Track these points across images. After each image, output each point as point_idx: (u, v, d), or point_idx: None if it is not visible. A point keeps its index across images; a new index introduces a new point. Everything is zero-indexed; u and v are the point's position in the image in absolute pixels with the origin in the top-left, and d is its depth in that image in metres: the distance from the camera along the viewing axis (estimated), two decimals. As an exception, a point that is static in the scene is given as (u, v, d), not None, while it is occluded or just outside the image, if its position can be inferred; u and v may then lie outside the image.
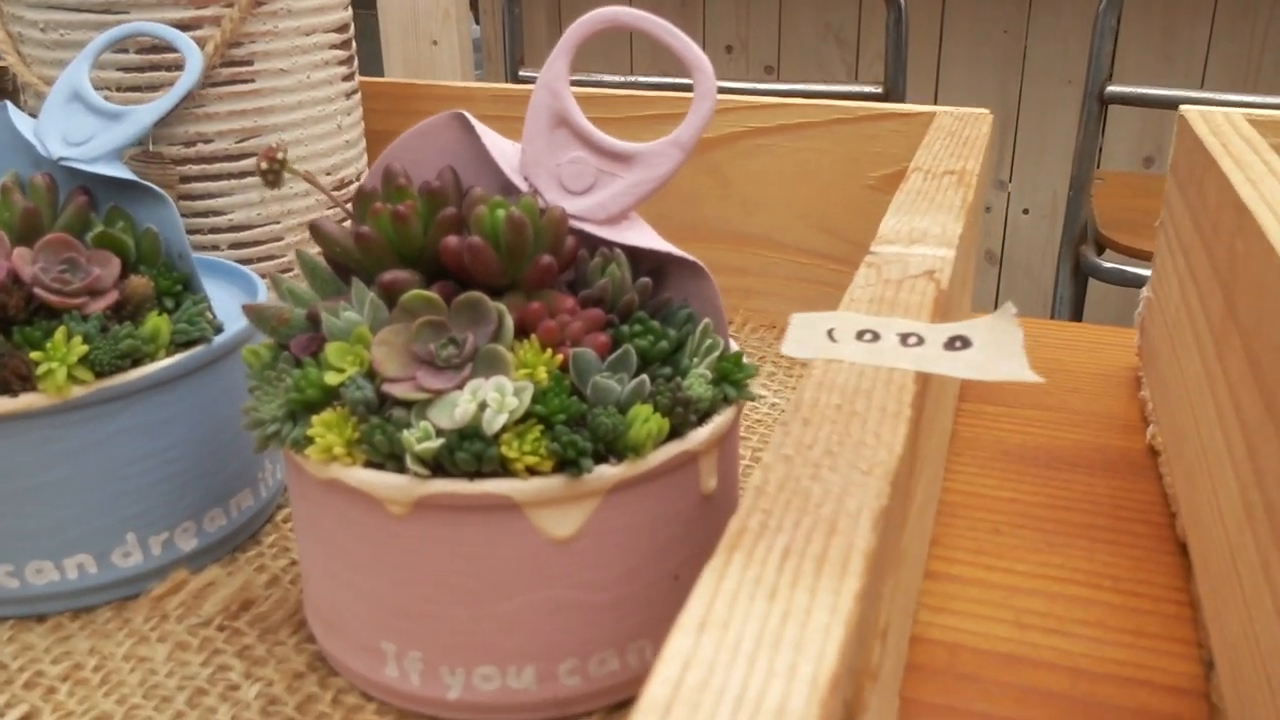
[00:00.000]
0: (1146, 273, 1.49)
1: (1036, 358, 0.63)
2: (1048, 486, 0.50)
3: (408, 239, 0.34)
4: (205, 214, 0.52)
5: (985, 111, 0.56)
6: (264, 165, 0.34)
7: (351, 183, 0.58)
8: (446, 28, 1.97)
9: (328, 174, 0.55)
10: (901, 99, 1.54)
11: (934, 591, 0.43)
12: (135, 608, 0.38)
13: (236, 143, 0.52)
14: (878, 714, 0.29)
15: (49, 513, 0.37)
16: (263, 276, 0.48)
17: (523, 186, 0.35)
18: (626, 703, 0.34)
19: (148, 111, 0.40)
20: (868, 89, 1.52)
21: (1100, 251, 1.58)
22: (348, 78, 0.57)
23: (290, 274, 0.55)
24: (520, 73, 1.60)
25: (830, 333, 0.30)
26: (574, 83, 1.44)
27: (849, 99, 1.58)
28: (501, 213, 0.32)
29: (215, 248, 0.53)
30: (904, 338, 0.30)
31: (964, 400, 0.57)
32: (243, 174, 0.52)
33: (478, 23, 2.41)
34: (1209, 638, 0.39)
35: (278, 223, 0.54)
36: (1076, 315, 1.63)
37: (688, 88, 1.62)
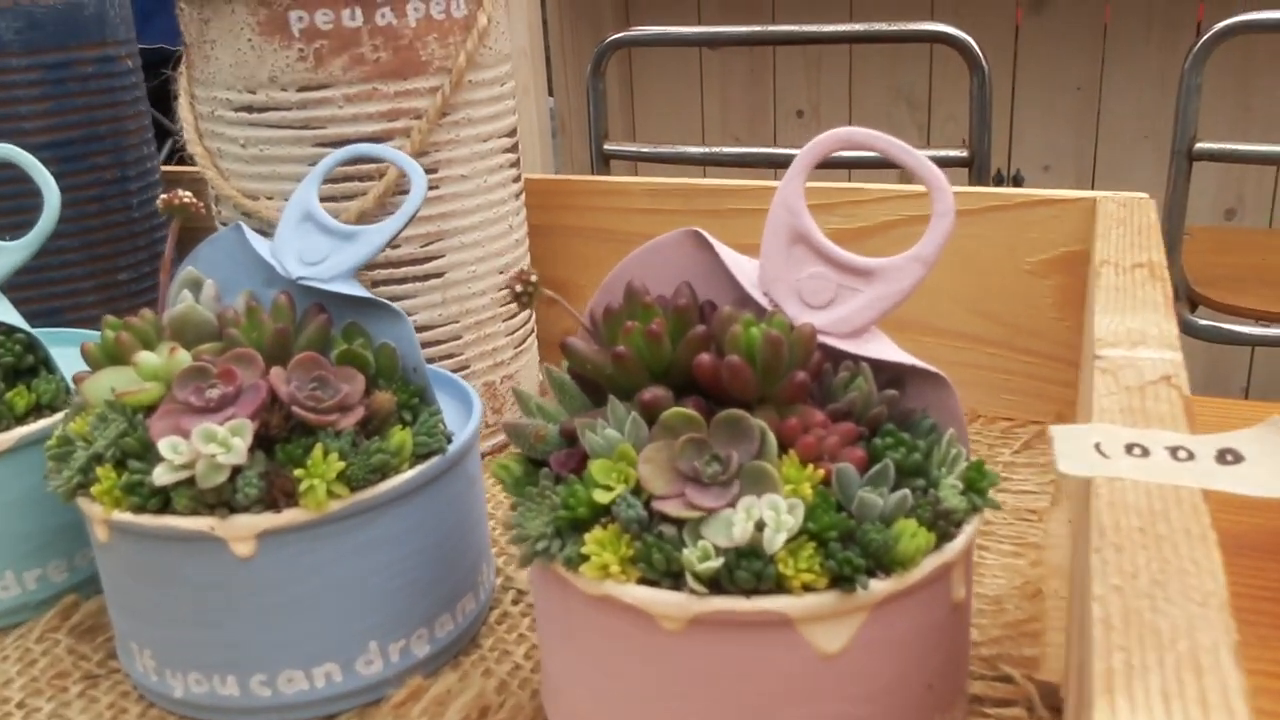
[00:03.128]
0: (1244, 329, 1.48)
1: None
2: (1240, 575, 0.49)
3: (658, 356, 0.35)
4: (392, 316, 0.54)
5: (1146, 196, 0.57)
6: (518, 289, 0.35)
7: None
8: (525, 103, 2.02)
9: (500, 272, 0.57)
10: (986, 163, 1.54)
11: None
12: (377, 715, 0.39)
13: (422, 247, 0.54)
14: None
15: (302, 623, 0.38)
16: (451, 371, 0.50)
17: (762, 301, 0.36)
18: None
19: (379, 232, 0.42)
20: (953, 153, 1.52)
21: (1193, 309, 1.57)
22: (516, 179, 0.58)
23: (513, 383, 0.57)
24: (605, 147, 1.63)
25: (1098, 446, 0.31)
26: (654, 156, 1.44)
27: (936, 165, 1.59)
28: (756, 332, 0.33)
29: (400, 348, 0.54)
30: (1173, 451, 0.30)
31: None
32: (427, 276, 0.54)
33: (552, 95, 2.45)
34: None
35: (457, 322, 0.56)
36: (1168, 373, 1.60)
37: (769, 160, 1.62)
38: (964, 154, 1.50)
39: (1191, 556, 0.26)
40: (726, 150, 1.62)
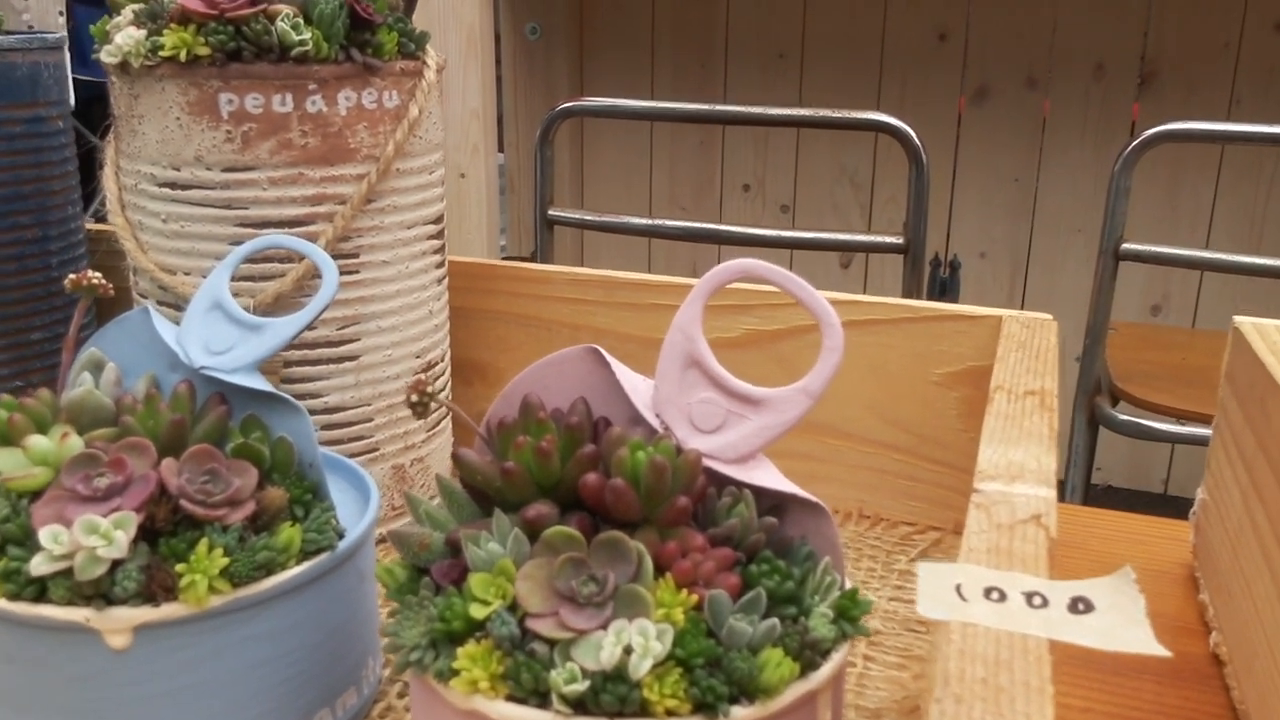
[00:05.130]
0: (1162, 427, 1.51)
1: (1087, 551, 0.64)
2: (1118, 695, 0.51)
3: (547, 473, 0.35)
4: (303, 396, 0.54)
5: (1049, 318, 0.59)
6: (414, 398, 0.36)
7: (438, 364, 0.60)
8: (474, 162, 2.04)
9: (417, 356, 0.58)
10: (921, 250, 1.58)
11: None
12: (247, 811, 0.39)
13: (338, 330, 0.54)
14: None
15: (175, 716, 0.38)
16: (350, 456, 0.50)
17: (654, 422, 0.37)
18: None
19: (286, 325, 0.42)
20: (889, 239, 1.55)
21: (1114, 403, 1.61)
22: (439, 265, 0.59)
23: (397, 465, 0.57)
24: (549, 213, 1.64)
25: (959, 589, 0.32)
26: (597, 224, 1.47)
27: (870, 250, 1.62)
28: (642, 455, 0.34)
29: (310, 428, 0.54)
30: (1029, 597, 0.32)
31: (1026, 595, 0.58)
32: (341, 359, 0.55)
33: (502, 151, 2.47)
34: None
35: (368, 405, 0.56)
36: (1090, 463, 1.65)
37: (706, 234, 1.65)
38: (900, 240, 1.54)
39: (1026, 711, 0.27)
40: (669, 223, 1.64)
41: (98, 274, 0.43)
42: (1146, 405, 1.58)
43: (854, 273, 2.37)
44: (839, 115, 1.50)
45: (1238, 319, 0.57)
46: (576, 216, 1.64)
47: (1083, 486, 1.66)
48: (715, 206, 2.43)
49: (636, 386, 0.38)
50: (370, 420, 0.56)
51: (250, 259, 0.52)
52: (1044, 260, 2.26)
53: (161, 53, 0.50)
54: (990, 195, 2.26)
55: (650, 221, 1.66)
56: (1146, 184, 2.13)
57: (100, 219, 0.61)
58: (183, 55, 0.50)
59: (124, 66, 0.51)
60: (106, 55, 0.52)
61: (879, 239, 1.55)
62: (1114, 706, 0.50)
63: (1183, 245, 1.51)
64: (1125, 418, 1.56)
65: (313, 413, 0.54)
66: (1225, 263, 1.52)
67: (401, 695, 0.46)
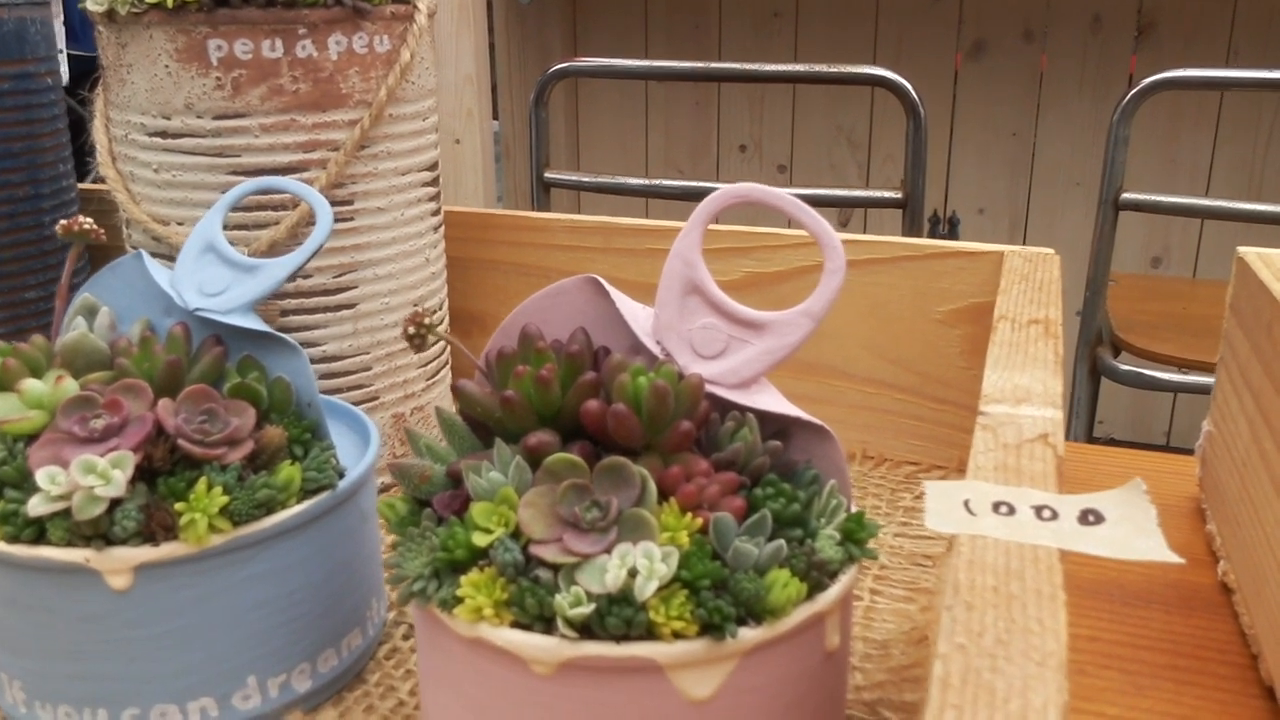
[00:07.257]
0: (1165, 376, 1.51)
1: (1093, 487, 0.64)
2: (1125, 624, 0.50)
3: (547, 401, 0.35)
4: (301, 345, 0.53)
5: (1051, 251, 0.58)
6: (411, 330, 0.36)
7: (436, 312, 0.59)
8: (469, 127, 2.02)
9: (414, 304, 0.57)
10: (920, 205, 1.57)
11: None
12: (255, 751, 0.39)
13: (334, 278, 0.54)
14: None
15: (178, 656, 0.37)
16: (354, 404, 0.50)
17: (655, 349, 0.37)
18: None
19: (280, 266, 0.42)
20: (887, 194, 1.54)
21: (1116, 354, 1.60)
22: (435, 213, 0.59)
23: (402, 414, 0.57)
24: (545, 175, 1.63)
25: (966, 504, 0.31)
26: (594, 186, 1.46)
27: (868, 205, 1.61)
28: (644, 380, 0.34)
29: (308, 378, 0.54)
30: (1038, 510, 0.31)
31: (1032, 531, 0.58)
32: (338, 307, 0.54)
33: (496, 118, 2.45)
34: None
35: (367, 353, 0.56)
36: (1092, 415, 1.65)
37: (703, 194, 1.66)
38: (899, 195, 1.52)
39: (1038, 616, 0.26)
40: (666, 183, 1.63)
41: (89, 219, 0.42)
42: (1148, 355, 1.58)
43: (852, 229, 2.36)
44: (835, 70, 1.49)
45: (1242, 249, 0.57)
46: (573, 178, 1.63)
47: (1085, 439, 1.66)
48: (712, 168, 2.41)
49: (636, 315, 0.37)
50: (369, 369, 0.56)
51: (244, 207, 0.51)
52: (1043, 214, 2.24)
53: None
54: (988, 150, 2.24)
55: (647, 182, 1.64)
56: (1145, 136, 2.11)
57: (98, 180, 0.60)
58: (170, 2, 0.49)
59: (110, 15, 0.51)
60: (93, 4, 0.51)
61: (877, 194, 1.54)
62: (1123, 635, 0.49)
63: (1182, 196, 1.50)
64: (1127, 368, 1.55)
65: (311, 361, 0.54)
66: (1224, 210, 1.51)
67: (407, 637, 0.46)
